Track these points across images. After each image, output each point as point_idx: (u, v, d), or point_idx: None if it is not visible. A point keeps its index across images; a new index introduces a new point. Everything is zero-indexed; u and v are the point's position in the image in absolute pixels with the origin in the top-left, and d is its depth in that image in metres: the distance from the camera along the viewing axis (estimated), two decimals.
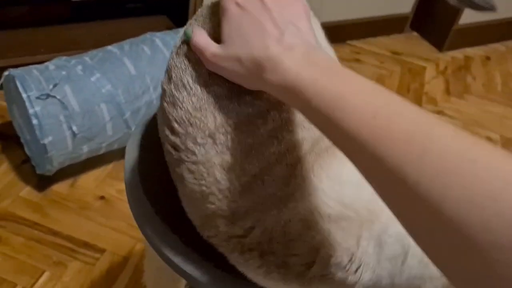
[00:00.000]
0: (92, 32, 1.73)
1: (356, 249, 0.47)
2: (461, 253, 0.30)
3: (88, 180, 1.42)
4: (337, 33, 2.20)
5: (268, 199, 0.48)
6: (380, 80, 2.06)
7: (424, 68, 2.19)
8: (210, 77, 0.51)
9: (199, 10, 0.59)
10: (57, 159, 1.29)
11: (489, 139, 1.86)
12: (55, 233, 1.26)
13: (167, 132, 0.53)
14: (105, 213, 1.33)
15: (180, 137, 0.51)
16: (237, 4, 0.49)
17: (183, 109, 0.51)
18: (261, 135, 0.49)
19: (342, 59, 2.10)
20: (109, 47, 1.44)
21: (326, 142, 0.50)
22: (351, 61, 2.12)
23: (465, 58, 2.31)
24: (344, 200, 0.48)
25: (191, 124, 0.50)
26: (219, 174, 0.49)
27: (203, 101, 0.50)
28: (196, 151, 0.50)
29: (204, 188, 0.50)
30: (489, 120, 1.96)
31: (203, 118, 0.50)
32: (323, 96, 0.40)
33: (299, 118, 0.51)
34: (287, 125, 0.51)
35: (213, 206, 0.50)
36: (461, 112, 1.97)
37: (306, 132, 0.51)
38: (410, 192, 0.33)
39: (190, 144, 0.50)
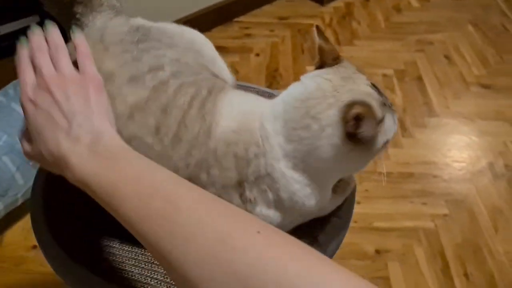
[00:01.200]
0: None
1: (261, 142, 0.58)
2: None
3: (15, 234, 1.38)
4: (223, 13, 2.23)
5: (195, 139, 0.58)
6: (274, 47, 2.13)
7: (311, 25, 2.27)
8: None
9: None
10: None
11: (384, 76, 1.99)
12: None
13: None
14: (42, 260, 1.30)
15: None
16: (31, 101, 0.52)
17: None
18: (169, 95, 0.59)
19: (232, 38, 2.15)
20: None
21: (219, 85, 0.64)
22: (242, 38, 2.16)
23: (346, 5, 2.42)
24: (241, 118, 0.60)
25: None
26: (150, 139, 0.58)
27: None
28: (122, 131, 0.56)
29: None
30: (380, 58, 2.08)
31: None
32: (103, 188, 0.47)
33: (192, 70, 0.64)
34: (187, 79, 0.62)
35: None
36: (354, 58, 2.08)
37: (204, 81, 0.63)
38: (165, 260, 0.42)
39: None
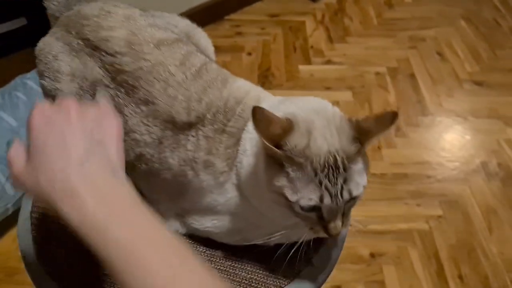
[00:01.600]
0: None
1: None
2: None
3: (6, 243, 1.37)
4: (214, 11, 2.20)
5: (213, 82, 0.65)
6: (265, 46, 2.10)
7: (303, 22, 2.25)
8: None
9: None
10: None
11: (377, 74, 1.97)
12: None
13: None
14: None
15: (127, 55, 0.64)
16: (44, 116, 0.46)
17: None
18: (192, 48, 0.68)
19: (223, 37, 2.12)
20: None
21: None
22: (233, 36, 2.14)
23: (338, 1, 2.39)
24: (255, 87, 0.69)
25: (134, 44, 0.64)
26: (173, 68, 0.64)
27: None
28: (148, 57, 0.64)
29: (162, 83, 0.63)
30: (373, 55, 2.07)
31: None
32: (118, 241, 0.42)
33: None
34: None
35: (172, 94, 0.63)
36: (347, 56, 2.07)
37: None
38: None
39: (140, 55, 0.64)
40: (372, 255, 1.38)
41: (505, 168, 1.63)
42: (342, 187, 0.54)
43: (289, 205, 0.55)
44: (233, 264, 0.67)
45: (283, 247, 0.61)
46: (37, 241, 0.70)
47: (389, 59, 2.06)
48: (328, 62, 2.04)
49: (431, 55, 2.09)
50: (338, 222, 0.55)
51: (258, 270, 0.66)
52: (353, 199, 0.56)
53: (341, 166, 0.54)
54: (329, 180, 0.53)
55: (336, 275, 1.33)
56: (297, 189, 0.54)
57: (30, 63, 1.50)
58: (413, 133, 1.75)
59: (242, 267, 0.66)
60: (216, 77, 0.66)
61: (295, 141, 0.53)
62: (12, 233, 1.38)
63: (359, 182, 0.55)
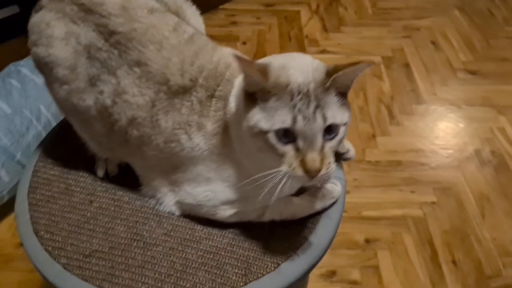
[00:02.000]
0: None
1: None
2: None
3: (2, 231, 1.36)
4: (209, 0, 2.19)
5: (204, 48, 0.69)
6: (261, 35, 2.10)
7: (298, 12, 2.25)
8: None
9: None
10: None
11: (372, 63, 1.98)
12: None
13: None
14: None
15: (121, 17, 0.67)
16: None
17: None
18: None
19: (218, 26, 2.11)
20: None
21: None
22: (228, 26, 2.13)
23: None
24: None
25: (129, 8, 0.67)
26: (167, 33, 0.67)
27: None
28: (142, 20, 0.67)
29: (156, 45, 0.66)
30: (368, 45, 2.07)
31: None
32: None
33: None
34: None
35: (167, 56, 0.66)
36: (341, 45, 2.07)
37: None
38: None
39: (134, 17, 0.67)
40: (367, 241, 1.40)
41: (498, 156, 1.65)
42: (315, 111, 0.57)
43: (267, 142, 0.57)
44: (230, 242, 0.67)
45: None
46: (35, 220, 0.70)
47: (384, 48, 2.06)
48: (323, 51, 2.05)
49: (426, 44, 2.10)
50: (316, 155, 0.57)
51: (255, 248, 0.67)
52: (330, 134, 0.58)
53: (312, 94, 0.57)
54: (302, 104, 0.57)
55: (331, 260, 1.35)
56: (272, 116, 0.57)
57: (23, 51, 1.49)
58: (407, 121, 1.76)
59: (240, 244, 0.67)
60: (206, 44, 0.70)
61: (274, 74, 0.57)
62: (8, 221, 1.38)
63: (335, 112, 0.58)
